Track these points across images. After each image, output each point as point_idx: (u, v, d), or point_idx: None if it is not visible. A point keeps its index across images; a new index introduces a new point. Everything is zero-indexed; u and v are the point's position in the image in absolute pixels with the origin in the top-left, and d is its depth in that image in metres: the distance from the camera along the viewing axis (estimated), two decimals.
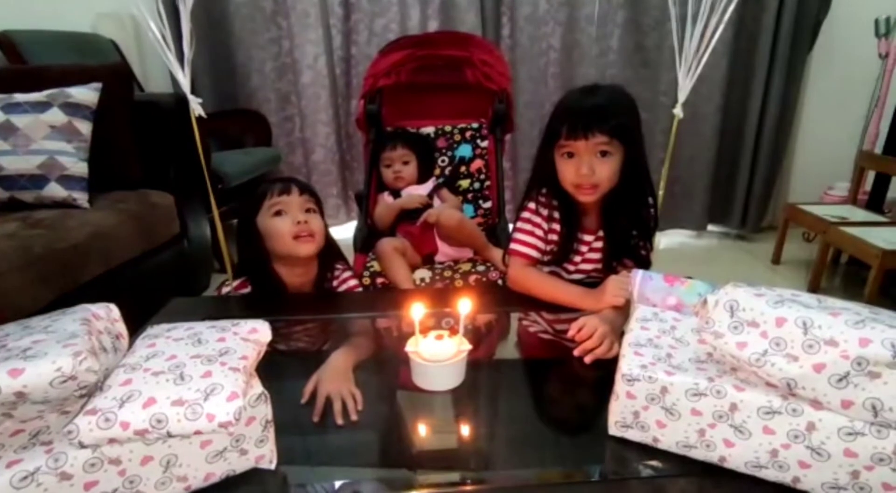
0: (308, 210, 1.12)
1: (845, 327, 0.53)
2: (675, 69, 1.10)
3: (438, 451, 0.73)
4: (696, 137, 2.62)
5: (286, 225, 1.08)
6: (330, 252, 1.20)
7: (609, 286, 0.99)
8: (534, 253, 1.13)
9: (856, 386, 0.53)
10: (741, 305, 0.59)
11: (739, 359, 0.58)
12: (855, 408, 0.54)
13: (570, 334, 0.90)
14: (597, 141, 1.00)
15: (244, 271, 1.17)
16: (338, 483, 0.63)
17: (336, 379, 0.81)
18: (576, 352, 0.88)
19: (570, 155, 1.04)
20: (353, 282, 1.24)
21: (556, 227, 1.14)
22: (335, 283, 1.22)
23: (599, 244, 1.14)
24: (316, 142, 2.66)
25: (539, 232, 1.13)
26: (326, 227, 1.16)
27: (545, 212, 1.13)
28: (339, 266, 1.24)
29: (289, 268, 1.14)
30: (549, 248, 1.15)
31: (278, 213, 1.09)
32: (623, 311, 0.96)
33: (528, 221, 1.14)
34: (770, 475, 0.60)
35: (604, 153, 1.02)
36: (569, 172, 1.04)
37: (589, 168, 1.01)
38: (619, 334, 0.91)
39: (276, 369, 0.89)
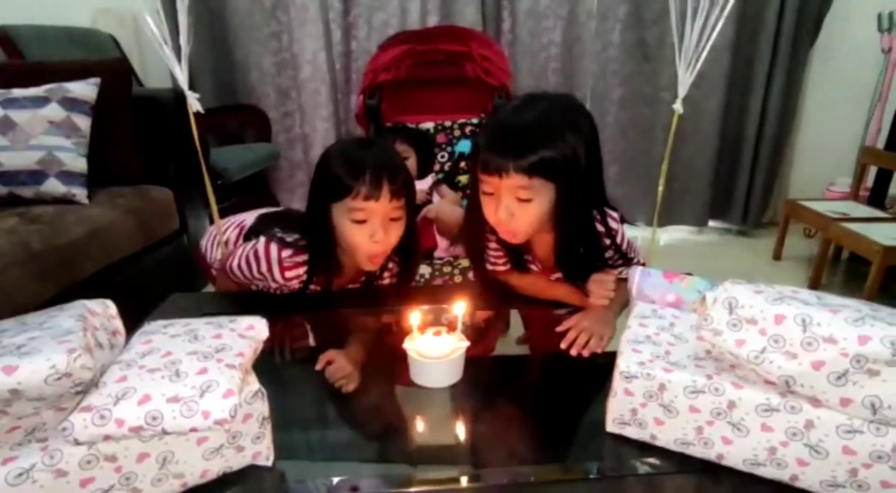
0: (393, 218, 0.96)
1: (844, 324, 0.53)
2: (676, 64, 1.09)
3: (436, 447, 0.73)
4: (698, 133, 2.61)
5: (363, 239, 0.94)
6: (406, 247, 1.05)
7: (592, 289, 0.97)
8: (507, 266, 1.08)
9: (855, 384, 0.53)
10: (740, 302, 0.59)
11: (738, 356, 0.58)
12: (854, 406, 0.53)
13: (563, 345, 0.89)
14: (512, 184, 0.85)
15: (307, 241, 1.02)
16: (335, 480, 0.63)
17: (343, 363, 0.84)
18: (562, 344, 0.89)
19: (489, 193, 0.90)
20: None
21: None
22: (385, 273, 1.12)
23: (558, 275, 1.05)
24: (315, 137, 2.65)
25: (500, 252, 1.06)
26: (412, 215, 1.01)
27: (494, 235, 1.03)
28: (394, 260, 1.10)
29: (350, 258, 1.04)
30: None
31: (358, 220, 0.94)
32: (617, 299, 0.96)
33: (486, 246, 1.06)
34: (768, 472, 0.60)
35: (523, 199, 0.86)
36: (488, 211, 0.91)
37: (506, 211, 0.87)
38: (619, 311, 0.94)
39: (273, 365, 0.89)
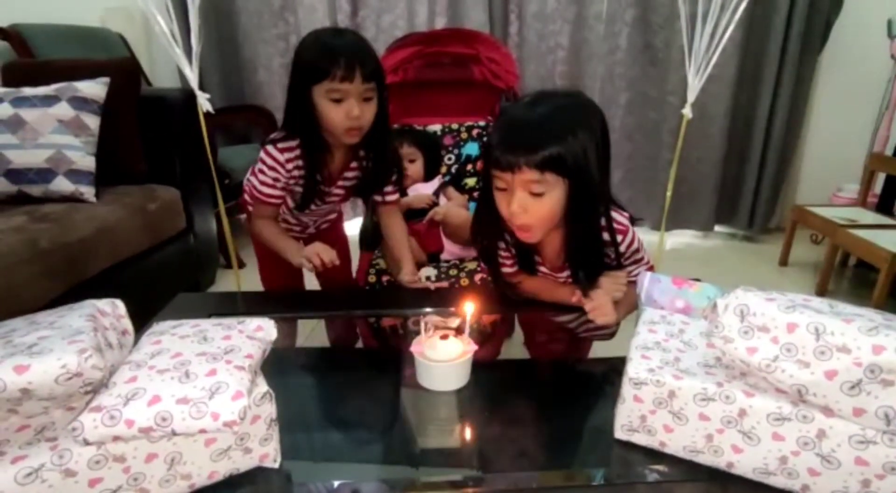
0: (366, 99, 1.07)
1: (858, 333, 0.53)
2: (684, 68, 1.09)
3: (442, 451, 0.73)
4: (704, 138, 2.60)
5: (339, 116, 1.06)
6: (376, 140, 1.16)
7: (604, 284, 0.98)
8: (515, 267, 1.09)
9: (868, 394, 0.52)
10: (752, 309, 0.59)
11: (749, 364, 0.58)
12: (867, 416, 0.53)
13: (574, 299, 0.96)
14: (524, 178, 0.85)
15: (293, 129, 1.13)
16: (341, 482, 0.63)
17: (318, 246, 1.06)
18: (573, 299, 0.96)
19: (502, 188, 0.90)
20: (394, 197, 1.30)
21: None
22: (378, 198, 1.28)
23: (566, 274, 1.05)
24: None
25: (509, 252, 1.07)
26: (385, 108, 1.13)
27: (503, 236, 1.03)
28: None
29: (335, 138, 1.14)
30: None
31: (335, 99, 1.05)
32: (625, 302, 0.97)
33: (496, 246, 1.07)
34: (779, 482, 0.60)
35: (536, 193, 0.86)
36: (502, 207, 0.91)
37: (520, 206, 0.87)
38: (624, 314, 0.97)
39: (281, 367, 0.89)
